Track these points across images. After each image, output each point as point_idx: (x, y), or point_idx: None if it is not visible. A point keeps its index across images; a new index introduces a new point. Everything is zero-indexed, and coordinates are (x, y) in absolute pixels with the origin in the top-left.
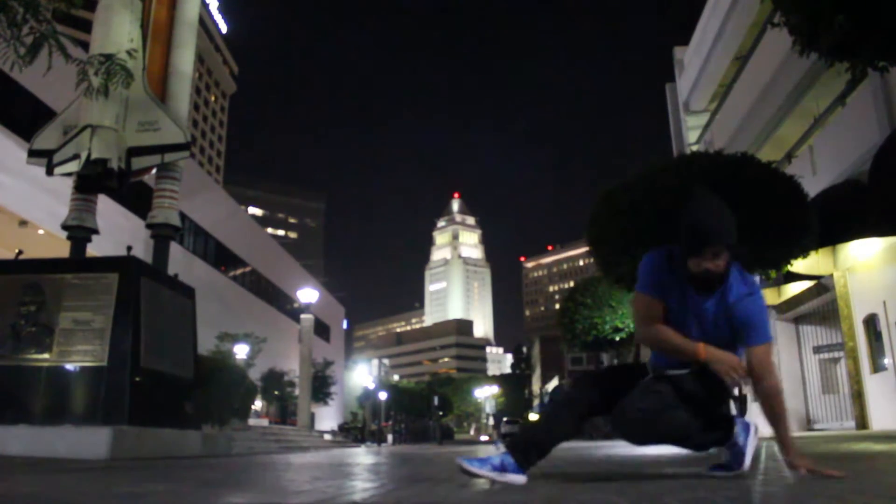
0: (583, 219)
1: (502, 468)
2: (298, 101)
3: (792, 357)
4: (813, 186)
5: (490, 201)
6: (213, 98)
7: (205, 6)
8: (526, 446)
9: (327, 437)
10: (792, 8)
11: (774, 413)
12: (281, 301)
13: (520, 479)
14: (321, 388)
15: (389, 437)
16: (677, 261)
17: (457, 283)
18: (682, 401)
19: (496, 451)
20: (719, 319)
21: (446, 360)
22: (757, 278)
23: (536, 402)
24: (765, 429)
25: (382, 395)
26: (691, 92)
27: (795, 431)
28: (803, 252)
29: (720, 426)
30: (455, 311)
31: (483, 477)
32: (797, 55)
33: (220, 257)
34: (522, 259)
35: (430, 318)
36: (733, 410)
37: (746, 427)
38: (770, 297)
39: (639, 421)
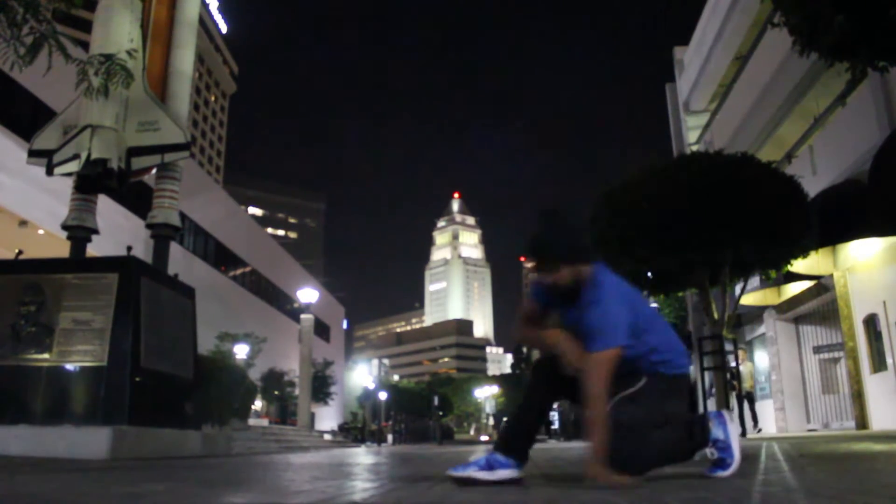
0: (583, 219)
1: (489, 466)
2: (298, 101)
3: (792, 357)
4: (813, 186)
5: (490, 201)
6: (213, 98)
7: (205, 6)
8: (507, 438)
9: (327, 437)
10: (792, 8)
11: (589, 418)
12: (281, 301)
13: (510, 473)
14: (321, 388)
15: (389, 437)
16: None
17: (457, 283)
18: (652, 421)
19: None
20: (579, 327)
21: (446, 360)
22: (757, 279)
23: None
24: (768, 428)
25: (382, 395)
26: (691, 92)
27: (796, 432)
28: (803, 252)
29: (696, 429)
30: (455, 311)
31: (474, 479)
32: (797, 55)
33: (220, 257)
34: (522, 259)
35: (430, 318)
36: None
37: (721, 419)
38: (770, 297)
39: (626, 461)
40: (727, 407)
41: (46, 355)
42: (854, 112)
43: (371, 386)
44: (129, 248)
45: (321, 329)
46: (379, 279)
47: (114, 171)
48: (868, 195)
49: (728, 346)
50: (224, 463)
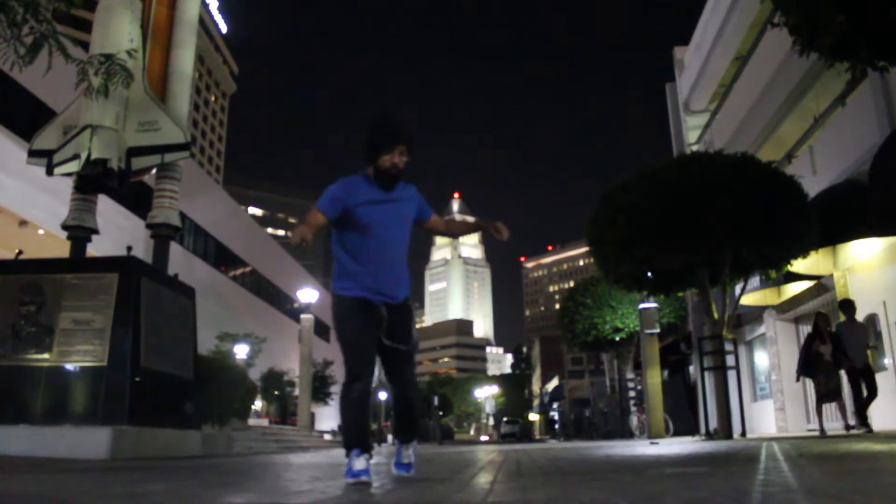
0: (583, 219)
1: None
2: (298, 101)
3: (792, 357)
4: (813, 186)
5: (490, 201)
6: (213, 98)
7: (205, 6)
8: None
9: (327, 437)
10: (792, 8)
11: (458, 226)
12: (281, 301)
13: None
14: (321, 388)
15: (389, 438)
16: (358, 177)
17: (457, 283)
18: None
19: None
20: (407, 208)
21: (446, 360)
22: (757, 279)
23: (536, 402)
24: (765, 428)
25: (382, 396)
26: (691, 92)
27: (797, 432)
28: (803, 252)
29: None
30: (455, 311)
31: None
32: (797, 55)
33: (220, 257)
34: (522, 259)
35: (430, 318)
36: None
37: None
38: (770, 297)
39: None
40: (726, 406)
41: (46, 355)
42: (854, 112)
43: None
44: (129, 248)
45: (321, 329)
46: None
47: (114, 171)
48: (868, 195)
49: (728, 346)
50: (224, 463)
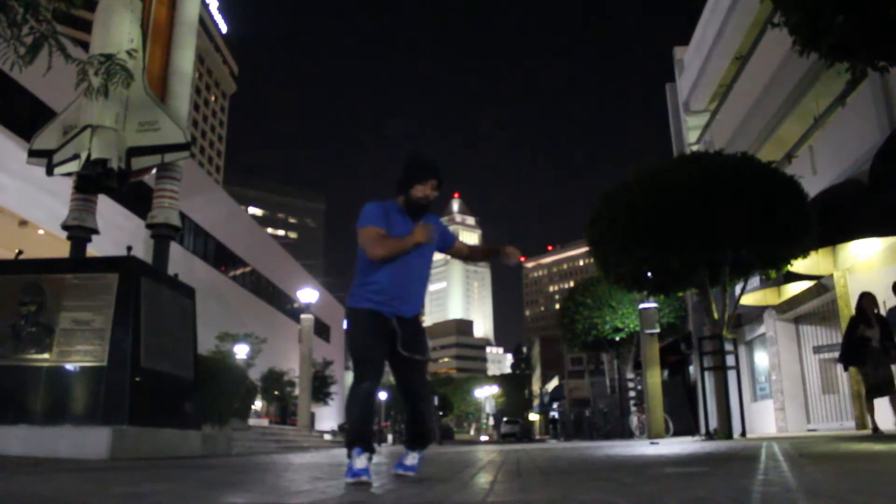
0: (583, 219)
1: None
2: (299, 101)
3: (792, 357)
4: (813, 186)
5: (490, 201)
6: (213, 98)
7: (205, 6)
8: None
9: (327, 437)
10: (792, 8)
11: (478, 251)
12: (281, 301)
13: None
14: (321, 388)
15: (389, 437)
16: (392, 203)
17: (457, 283)
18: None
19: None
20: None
21: (446, 360)
22: (757, 279)
23: (536, 402)
24: (765, 428)
25: (382, 395)
26: (691, 92)
27: (796, 432)
28: (803, 252)
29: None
30: (455, 311)
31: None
32: (797, 55)
33: (220, 257)
34: (522, 259)
35: (429, 318)
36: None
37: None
38: (770, 297)
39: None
40: (726, 406)
41: (46, 355)
42: (854, 112)
43: None
44: (129, 248)
45: (321, 329)
46: None
47: (114, 171)
48: (868, 195)
49: (728, 346)
50: (224, 463)
